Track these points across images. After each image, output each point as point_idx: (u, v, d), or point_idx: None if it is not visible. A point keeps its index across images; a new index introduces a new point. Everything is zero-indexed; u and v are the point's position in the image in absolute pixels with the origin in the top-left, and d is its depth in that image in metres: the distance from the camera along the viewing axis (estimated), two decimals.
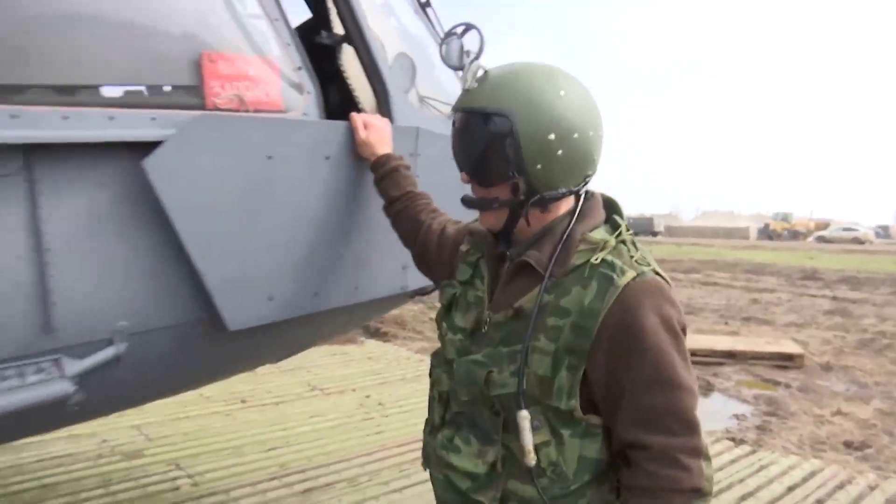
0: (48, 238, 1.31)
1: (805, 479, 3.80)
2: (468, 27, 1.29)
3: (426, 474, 1.44)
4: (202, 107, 1.50)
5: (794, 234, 50.24)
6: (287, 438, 4.28)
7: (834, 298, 12.70)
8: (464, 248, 1.40)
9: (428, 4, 2.63)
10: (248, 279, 1.58)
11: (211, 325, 1.56)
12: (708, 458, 1.15)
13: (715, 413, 5.25)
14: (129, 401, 1.83)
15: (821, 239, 43.17)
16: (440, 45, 1.33)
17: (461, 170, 1.24)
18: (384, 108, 1.94)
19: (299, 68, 1.72)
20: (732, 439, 4.49)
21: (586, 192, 1.27)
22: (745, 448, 4.29)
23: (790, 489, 3.67)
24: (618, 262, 1.15)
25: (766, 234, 52.14)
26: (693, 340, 7.50)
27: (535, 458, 1.15)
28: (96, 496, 3.42)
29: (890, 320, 10.10)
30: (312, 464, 3.88)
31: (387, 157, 1.70)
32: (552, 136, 1.14)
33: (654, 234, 46.60)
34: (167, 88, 1.48)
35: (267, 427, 4.48)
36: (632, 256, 1.18)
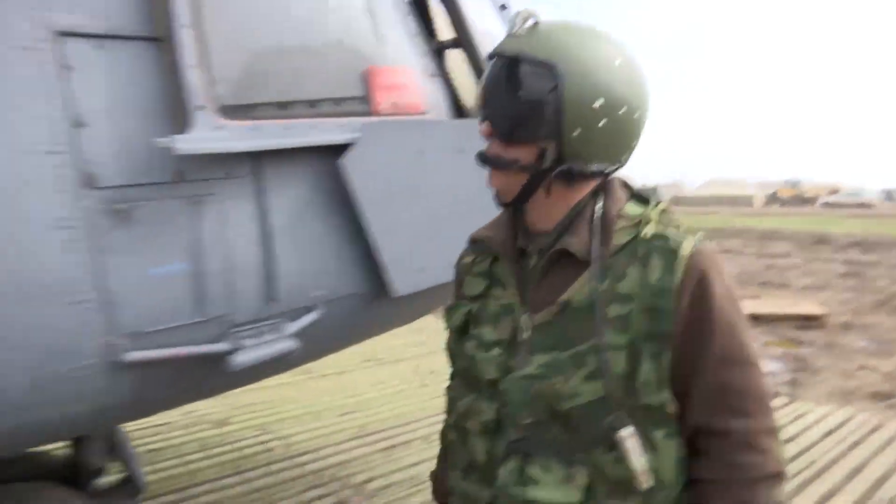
0: (272, 226, 1.66)
1: (839, 426, 4.19)
2: None
3: None
4: (370, 113, 1.83)
5: (803, 201, 50.43)
6: (357, 404, 4.68)
7: (848, 262, 13.04)
8: (467, 259, 1.25)
9: (504, 7, 2.93)
10: (408, 254, 1.92)
11: (380, 292, 1.92)
12: (779, 439, 1.07)
13: None
14: (321, 354, 2.19)
15: (827, 205, 43.43)
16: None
17: (485, 119, 1.08)
18: None
19: (434, 75, 2.05)
20: None
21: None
22: (783, 399, 4.68)
23: (827, 434, 4.05)
24: (671, 233, 1.05)
25: (774, 201, 52.36)
26: None
27: (651, 477, 1.01)
28: (198, 459, 3.82)
29: None
30: (387, 425, 4.28)
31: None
32: (599, 104, 1.01)
33: None
34: (346, 99, 1.81)
35: (337, 394, 4.87)
36: (677, 226, 1.08)
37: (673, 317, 1.00)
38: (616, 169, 1.10)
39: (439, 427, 1.38)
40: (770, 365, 5.84)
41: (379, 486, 3.48)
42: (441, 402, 1.28)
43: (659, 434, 1.02)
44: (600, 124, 1.02)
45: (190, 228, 1.53)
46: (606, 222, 1.06)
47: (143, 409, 1.84)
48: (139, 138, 1.44)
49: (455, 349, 1.21)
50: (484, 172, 1.12)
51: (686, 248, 1.02)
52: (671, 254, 1.02)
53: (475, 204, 2.15)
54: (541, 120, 1.02)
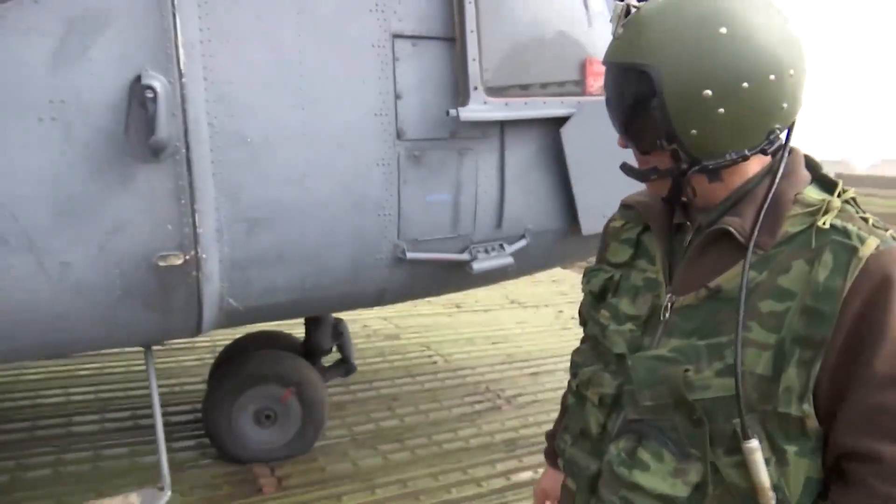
0: (506, 175, 2.34)
1: None
2: None
3: None
4: (583, 94, 2.44)
5: None
6: (505, 336, 5.43)
7: None
8: (616, 223, 1.21)
9: None
10: (598, 205, 2.54)
11: (572, 231, 2.56)
12: None
13: None
14: (527, 272, 2.88)
15: None
16: None
17: (617, 130, 1.05)
18: None
19: None
20: None
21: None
22: None
23: None
24: (852, 227, 0.93)
25: None
26: None
27: (775, 496, 0.93)
28: (378, 362, 4.72)
29: None
30: (532, 356, 4.99)
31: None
32: (708, 93, 0.92)
33: None
34: (567, 82, 2.43)
35: (486, 326, 5.65)
36: (865, 219, 0.95)
37: (835, 323, 0.90)
38: (769, 142, 0.96)
39: None
40: None
41: (526, 401, 4.21)
42: None
43: (791, 449, 0.94)
44: (720, 111, 0.92)
45: (455, 171, 2.25)
46: (779, 206, 0.97)
47: (411, 294, 2.61)
48: (433, 107, 2.16)
49: (589, 314, 1.18)
50: None
51: (869, 246, 0.90)
52: (849, 251, 0.91)
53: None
54: (655, 127, 0.96)
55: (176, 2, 1.75)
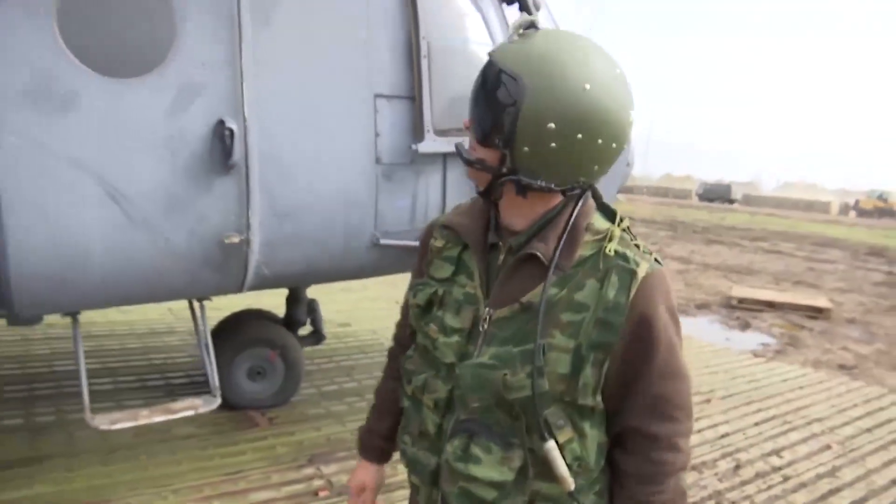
0: (447, 188, 3.51)
1: (798, 377, 5.85)
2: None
3: None
4: None
5: (883, 213, 49.70)
6: None
7: (889, 273, 14.18)
8: (437, 243, 1.34)
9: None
10: None
11: None
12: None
13: (746, 341, 7.29)
14: None
15: None
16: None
17: (469, 115, 1.21)
18: None
19: None
20: (754, 355, 6.54)
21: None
22: (761, 360, 6.36)
23: (784, 381, 5.72)
24: (630, 254, 1.16)
25: (855, 210, 51.75)
26: (741, 290, 9.44)
27: (573, 481, 1.16)
28: (335, 343, 5.77)
29: None
30: None
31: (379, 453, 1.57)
32: (552, 126, 1.07)
33: (731, 201, 47.20)
34: None
35: None
36: (637, 245, 1.20)
37: (620, 331, 1.13)
38: (570, 189, 1.17)
39: None
40: (766, 339, 7.46)
41: None
42: None
43: (586, 424, 1.18)
44: (552, 145, 1.08)
45: (413, 185, 3.40)
46: (575, 233, 1.17)
47: (382, 270, 3.69)
48: (400, 143, 3.31)
49: (418, 325, 1.32)
50: None
51: (643, 269, 1.14)
52: (630, 274, 1.13)
53: None
54: (501, 128, 1.10)
55: (243, 80, 2.84)
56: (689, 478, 3.74)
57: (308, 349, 4.75)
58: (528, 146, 1.10)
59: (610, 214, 1.24)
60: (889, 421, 4.93)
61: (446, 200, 3.53)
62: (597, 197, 1.26)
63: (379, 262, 3.51)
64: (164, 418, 3.00)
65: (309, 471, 3.52)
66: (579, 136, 1.09)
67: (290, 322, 4.57)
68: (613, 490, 1.27)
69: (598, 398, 1.18)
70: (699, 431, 4.39)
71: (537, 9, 3.93)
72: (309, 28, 3.02)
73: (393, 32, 3.25)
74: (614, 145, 1.13)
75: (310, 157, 3.09)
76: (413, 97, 3.32)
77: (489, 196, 1.22)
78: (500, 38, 3.70)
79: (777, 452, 4.20)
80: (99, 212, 2.63)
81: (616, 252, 1.16)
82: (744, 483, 3.77)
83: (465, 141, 1.29)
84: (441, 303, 1.28)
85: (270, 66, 2.92)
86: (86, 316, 3.76)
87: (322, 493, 3.30)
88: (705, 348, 6.62)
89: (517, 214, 1.22)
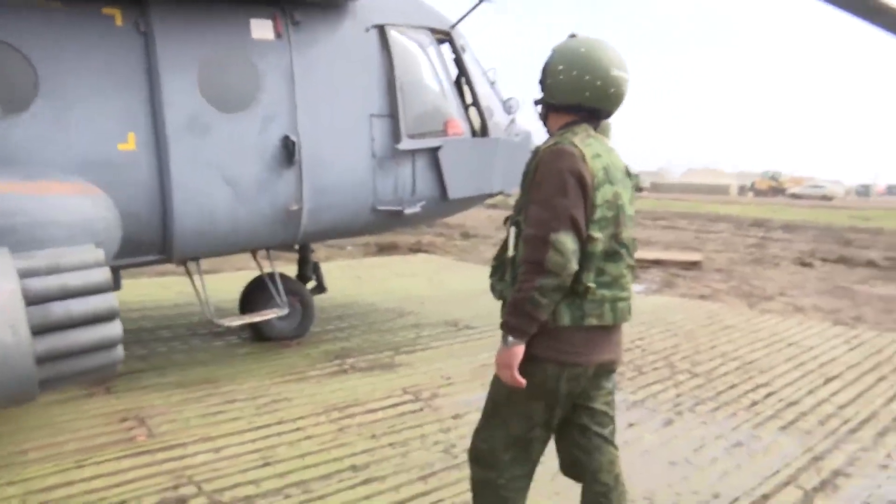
0: (416, 174, 5.63)
1: (666, 304, 8.30)
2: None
3: None
4: (446, 136, 5.79)
5: (777, 192, 55.30)
6: (405, 287, 8.70)
7: (762, 238, 17.31)
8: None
9: (493, 83, 6.88)
10: (454, 184, 5.86)
11: (444, 197, 5.87)
12: (557, 250, 2.09)
13: (636, 288, 9.76)
14: (426, 219, 6.23)
15: (793, 196, 48.50)
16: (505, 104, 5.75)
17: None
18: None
19: (466, 119, 6.04)
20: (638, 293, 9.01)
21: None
22: (642, 294, 8.82)
23: (654, 308, 8.15)
24: (543, 145, 2.28)
25: (751, 191, 57.23)
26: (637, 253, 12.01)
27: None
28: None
29: (790, 251, 14.69)
30: (412, 294, 8.31)
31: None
32: (561, 66, 2.23)
33: (639, 189, 51.17)
34: (439, 131, 5.74)
35: (394, 289, 8.91)
36: (559, 140, 2.23)
37: (528, 178, 2.27)
38: (573, 109, 2.29)
39: None
40: (649, 286, 9.98)
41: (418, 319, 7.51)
42: None
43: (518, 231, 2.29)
44: (560, 77, 2.24)
45: (395, 172, 5.50)
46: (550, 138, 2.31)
47: (378, 229, 5.77)
48: (387, 144, 5.41)
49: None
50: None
51: (541, 148, 2.27)
52: (535, 150, 2.30)
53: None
54: (543, 76, 2.33)
55: (297, 111, 4.88)
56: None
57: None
58: (550, 79, 2.28)
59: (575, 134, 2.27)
60: (714, 317, 7.43)
61: (416, 180, 5.65)
62: (595, 127, 2.34)
63: (375, 222, 5.61)
64: (259, 319, 5.01)
65: (338, 361, 5.56)
66: (574, 72, 2.21)
67: (302, 278, 6.57)
68: None
69: (522, 216, 2.29)
70: None
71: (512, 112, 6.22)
72: (332, 79, 5.11)
73: (379, 77, 5.36)
74: (599, 83, 2.20)
75: (335, 155, 5.16)
76: (393, 115, 5.43)
77: (545, 123, 2.43)
78: (441, 72, 5.88)
79: (638, 340, 6.56)
80: (222, 192, 4.62)
81: (547, 145, 2.28)
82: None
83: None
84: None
85: (311, 102, 4.99)
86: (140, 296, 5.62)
87: (349, 370, 5.35)
88: None
89: (550, 128, 2.39)
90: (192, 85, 4.47)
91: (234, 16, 4.67)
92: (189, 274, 5.04)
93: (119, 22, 4.26)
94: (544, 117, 2.40)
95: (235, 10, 4.66)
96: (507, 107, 6.50)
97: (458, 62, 6.20)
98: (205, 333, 6.29)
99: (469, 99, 6.34)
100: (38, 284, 2.93)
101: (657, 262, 11.44)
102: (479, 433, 2.47)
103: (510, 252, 2.28)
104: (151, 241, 4.50)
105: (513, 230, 2.30)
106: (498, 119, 6.46)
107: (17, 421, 4.15)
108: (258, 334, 6.10)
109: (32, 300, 2.89)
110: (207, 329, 6.29)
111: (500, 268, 2.37)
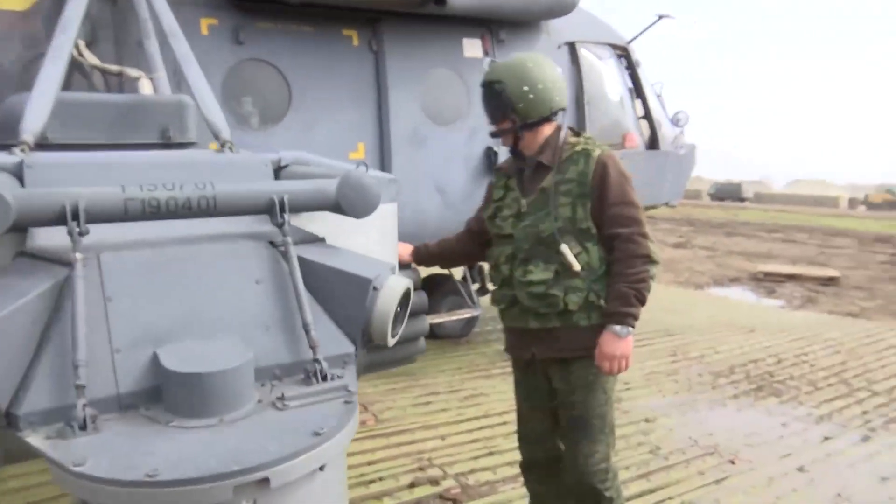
0: None
1: (816, 321, 8.28)
2: None
3: None
4: (624, 147, 6.07)
5: (894, 206, 52.40)
6: None
7: (894, 255, 16.65)
8: (493, 181, 2.68)
9: (659, 96, 7.10)
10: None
11: None
12: (653, 241, 2.39)
13: (774, 304, 9.74)
14: None
15: None
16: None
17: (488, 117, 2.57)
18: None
19: (640, 132, 6.29)
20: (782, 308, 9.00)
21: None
22: (788, 309, 8.80)
23: (807, 324, 8.13)
24: (589, 147, 2.41)
25: (863, 204, 54.52)
26: (765, 266, 11.91)
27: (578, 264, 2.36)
28: None
29: None
30: None
31: (416, 250, 2.95)
32: (525, 88, 2.40)
33: (742, 199, 49.80)
34: (614, 142, 6.03)
35: None
36: (597, 144, 2.44)
37: (590, 183, 2.36)
38: (553, 115, 2.48)
39: None
40: (791, 301, 9.91)
41: None
42: None
43: (589, 244, 2.40)
44: (530, 96, 2.40)
45: None
46: (560, 146, 2.44)
47: None
48: None
49: (489, 225, 2.59)
50: None
51: (595, 152, 2.40)
52: (588, 154, 2.40)
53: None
54: (504, 107, 2.45)
55: None
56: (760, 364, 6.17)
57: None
58: (521, 102, 2.43)
59: (578, 134, 2.54)
60: (873, 336, 7.38)
61: None
62: (570, 127, 2.56)
63: None
64: (455, 318, 5.43)
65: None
66: (539, 86, 2.43)
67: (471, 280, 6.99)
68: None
69: (590, 223, 2.38)
70: (766, 347, 6.78)
71: None
72: None
73: (569, 91, 5.70)
74: (558, 84, 2.47)
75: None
76: (581, 128, 5.75)
77: (517, 145, 2.53)
78: (621, 86, 6.17)
79: (803, 356, 6.63)
80: (433, 198, 5.07)
81: (583, 149, 2.43)
82: (782, 369, 6.19)
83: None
84: (500, 209, 2.55)
85: None
86: None
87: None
88: (742, 305, 9.05)
89: (528, 147, 2.52)
90: (415, 99, 4.93)
91: (450, 35, 5.11)
92: None
93: (356, 42, 4.77)
94: (515, 141, 2.52)
95: (451, 30, 5.10)
96: (676, 120, 6.72)
97: (633, 76, 6.47)
98: None
99: (640, 112, 6.60)
100: None
101: (792, 277, 11.31)
102: (594, 457, 2.50)
103: (576, 267, 2.38)
104: None
105: (567, 245, 2.37)
106: (665, 131, 6.68)
107: None
108: (430, 332, 6.54)
109: None
110: None
111: (554, 279, 2.41)
